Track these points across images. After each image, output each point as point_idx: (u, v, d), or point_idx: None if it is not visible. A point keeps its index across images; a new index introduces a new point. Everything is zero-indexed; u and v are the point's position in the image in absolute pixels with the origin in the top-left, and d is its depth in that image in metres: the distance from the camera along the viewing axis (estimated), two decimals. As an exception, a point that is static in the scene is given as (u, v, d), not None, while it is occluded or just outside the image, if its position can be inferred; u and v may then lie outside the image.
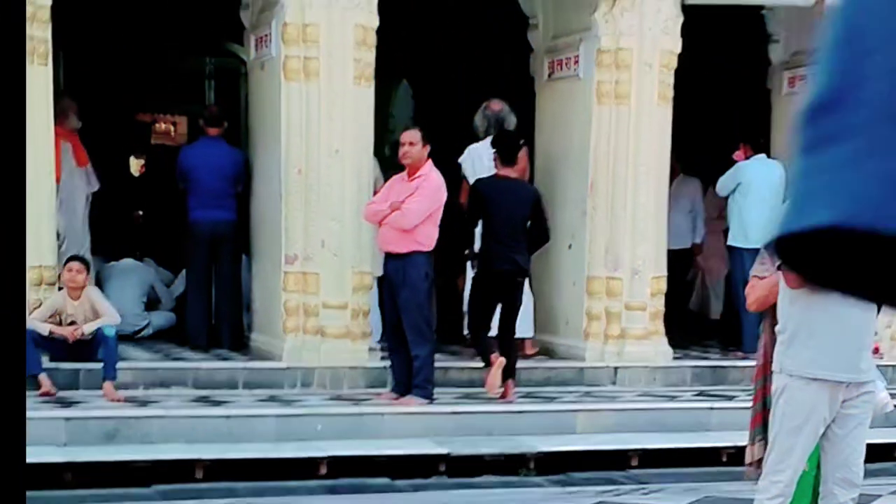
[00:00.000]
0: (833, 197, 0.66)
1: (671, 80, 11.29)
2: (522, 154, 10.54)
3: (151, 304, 12.02)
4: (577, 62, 11.35)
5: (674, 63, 11.27)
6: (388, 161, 11.52)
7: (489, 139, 10.58)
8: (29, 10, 9.27)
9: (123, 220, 11.44)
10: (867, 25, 0.70)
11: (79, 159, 11.11)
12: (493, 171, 10.08)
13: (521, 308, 10.13)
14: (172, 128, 15.87)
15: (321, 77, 10.09)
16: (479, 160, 10.67)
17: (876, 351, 7.95)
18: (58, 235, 10.26)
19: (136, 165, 15.43)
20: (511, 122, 11.02)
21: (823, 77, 0.74)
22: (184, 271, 11.97)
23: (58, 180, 10.26)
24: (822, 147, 0.70)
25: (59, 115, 10.43)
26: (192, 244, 11.16)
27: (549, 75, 11.81)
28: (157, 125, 15.77)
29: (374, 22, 10.17)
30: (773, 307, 5.81)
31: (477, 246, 9.97)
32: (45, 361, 9.64)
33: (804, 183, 0.70)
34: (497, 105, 11.13)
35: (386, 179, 10.24)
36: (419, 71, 15.27)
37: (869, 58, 0.70)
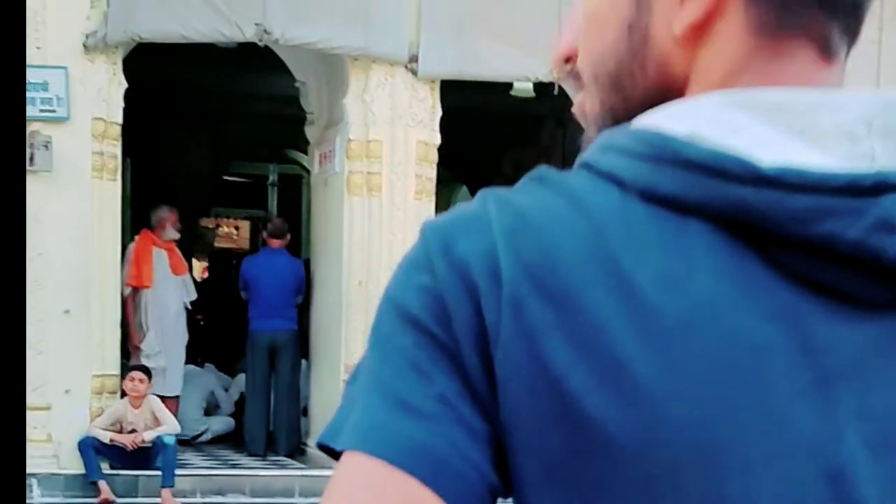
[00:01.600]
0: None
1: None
2: None
3: (210, 408, 12.20)
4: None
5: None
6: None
7: None
8: (100, 126, 9.64)
9: (186, 324, 11.62)
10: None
11: (174, 268, 11.23)
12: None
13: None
14: (235, 232, 16.19)
15: (383, 192, 10.33)
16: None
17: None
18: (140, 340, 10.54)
19: (198, 269, 15.71)
20: None
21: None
22: (242, 376, 12.15)
23: (147, 287, 10.69)
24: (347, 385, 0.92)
25: (156, 225, 10.92)
26: (252, 351, 11.35)
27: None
28: (220, 229, 16.09)
29: (436, 139, 10.40)
30: None
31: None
32: (105, 468, 9.81)
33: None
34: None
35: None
36: (477, 177, 15.51)
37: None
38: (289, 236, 11.68)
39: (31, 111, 9.39)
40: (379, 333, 0.90)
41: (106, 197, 9.79)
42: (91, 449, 9.71)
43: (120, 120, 9.79)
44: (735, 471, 0.83)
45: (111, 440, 9.78)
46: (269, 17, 9.63)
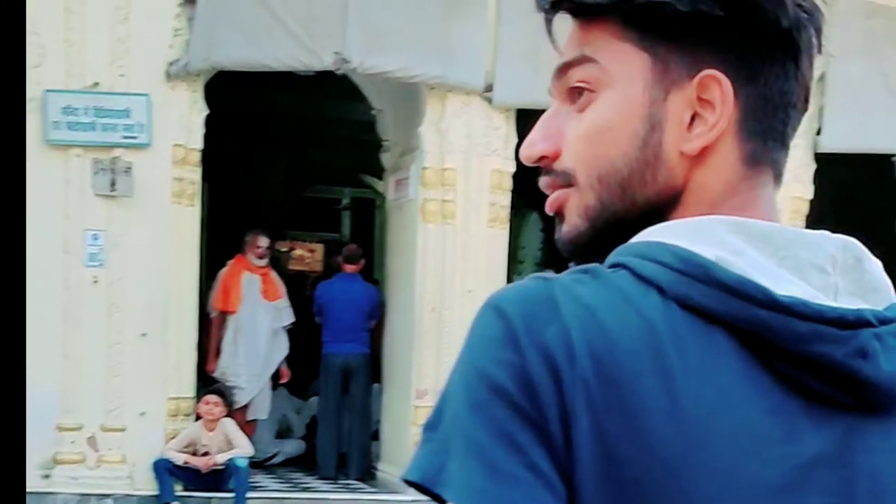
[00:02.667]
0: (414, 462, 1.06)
1: (802, 226, 11.30)
2: None
3: (282, 431, 12.28)
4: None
5: (804, 210, 11.32)
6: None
7: None
8: (180, 152, 9.78)
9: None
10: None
11: (266, 293, 11.24)
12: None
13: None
14: (309, 255, 16.31)
15: (457, 219, 10.38)
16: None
17: None
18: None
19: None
20: None
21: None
22: (314, 399, 12.23)
23: (233, 311, 10.85)
24: (428, 428, 1.07)
25: (246, 249, 11.05)
26: (324, 374, 11.42)
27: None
28: (294, 252, 16.22)
29: (511, 167, 10.43)
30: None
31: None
32: (179, 490, 9.93)
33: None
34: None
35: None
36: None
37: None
38: (363, 262, 11.77)
39: (113, 137, 9.56)
40: (473, 399, 1.04)
41: (184, 222, 9.94)
42: (165, 471, 9.84)
43: (200, 146, 9.92)
44: None
45: (185, 462, 9.89)
46: (347, 46, 9.73)
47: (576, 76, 1.21)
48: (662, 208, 1.18)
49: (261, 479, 11.03)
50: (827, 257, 1.13)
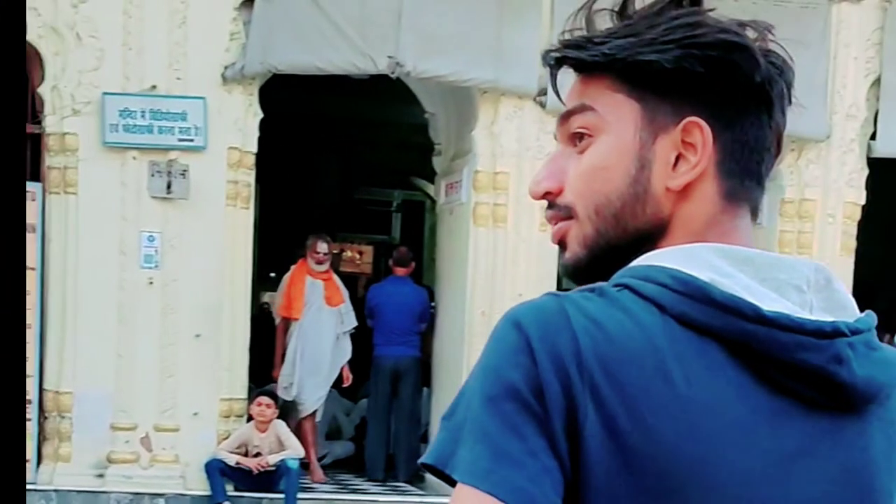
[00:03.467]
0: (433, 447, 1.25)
1: (854, 232, 11.28)
2: None
3: (332, 432, 12.33)
4: (760, 210, 11.39)
5: (857, 215, 11.26)
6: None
7: None
8: (235, 155, 9.85)
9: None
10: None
11: (329, 299, 11.10)
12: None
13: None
14: (359, 256, 16.35)
15: (509, 223, 10.38)
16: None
17: None
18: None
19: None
20: None
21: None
22: (364, 401, 12.27)
23: (296, 318, 10.83)
24: (445, 418, 1.26)
25: (308, 253, 10.97)
26: (375, 377, 11.45)
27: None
28: (344, 254, 16.27)
29: (559, 172, 10.41)
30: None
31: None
32: (230, 490, 9.99)
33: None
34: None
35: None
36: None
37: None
38: (413, 265, 11.79)
39: (169, 140, 9.64)
40: (487, 394, 1.23)
41: (239, 225, 10.02)
42: (217, 471, 9.90)
43: (255, 149, 9.99)
44: (721, 498, 1.26)
45: (237, 463, 9.94)
46: (401, 51, 9.77)
47: (577, 123, 1.40)
48: (652, 236, 1.38)
49: (311, 480, 11.08)
50: (802, 278, 1.33)
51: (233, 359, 10.09)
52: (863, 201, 11.23)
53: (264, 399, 10.22)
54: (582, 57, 1.39)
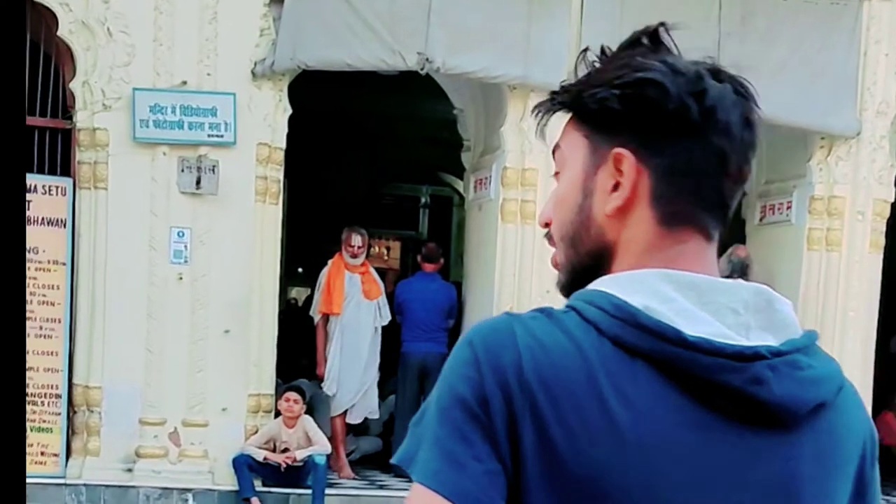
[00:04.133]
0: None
1: (883, 229, 11.23)
2: None
3: (359, 428, 12.33)
4: (789, 207, 11.36)
5: (887, 212, 11.20)
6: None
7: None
8: (264, 151, 9.86)
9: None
10: None
11: (367, 292, 11.02)
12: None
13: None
14: (386, 252, 16.36)
15: (536, 220, 10.28)
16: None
17: None
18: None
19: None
20: (754, 269, 11.04)
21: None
22: (392, 397, 12.27)
23: (336, 313, 10.77)
24: (413, 425, 1.45)
25: (343, 246, 10.90)
26: (403, 373, 11.44)
27: (761, 219, 11.84)
28: (372, 249, 16.27)
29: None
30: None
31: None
32: (258, 485, 10.01)
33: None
34: (743, 252, 11.09)
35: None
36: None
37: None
38: (442, 261, 11.78)
39: (199, 136, 9.65)
40: (441, 404, 1.42)
41: (267, 220, 10.03)
42: (245, 466, 9.92)
43: (283, 145, 10.00)
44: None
45: (265, 458, 9.96)
46: (430, 47, 9.76)
47: (554, 161, 1.61)
48: (602, 260, 1.54)
49: (338, 476, 11.09)
50: (740, 301, 1.47)
51: (261, 354, 10.11)
52: (892, 198, 11.18)
53: (292, 395, 10.23)
54: (551, 101, 1.59)
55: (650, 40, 1.56)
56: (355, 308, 10.94)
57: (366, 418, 11.79)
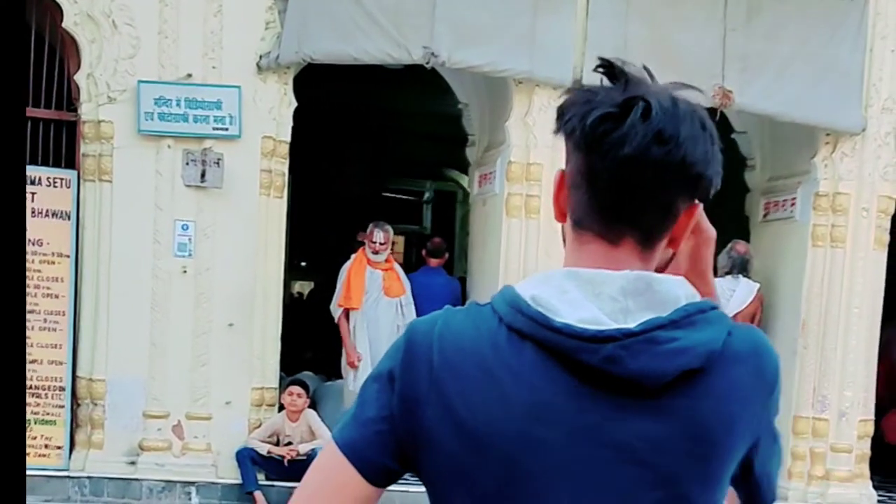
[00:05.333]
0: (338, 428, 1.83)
1: (888, 226, 11.22)
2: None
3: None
4: (793, 204, 11.35)
5: (892, 209, 11.19)
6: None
7: (729, 277, 10.73)
8: (269, 145, 9.85)
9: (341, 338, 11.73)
10: None
11: (388, 289, 10.93)
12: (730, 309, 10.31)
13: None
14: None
15: (541, 214, 10.33)
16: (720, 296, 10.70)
17: None
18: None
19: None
20: (753, 264, 11.05)
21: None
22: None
23: (355, 308, 10.72)
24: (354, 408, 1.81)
25: (366, 241, 10.86)
26: (406, 368, 11.42)
27: (765, 216, 11.83)
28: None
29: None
30: None
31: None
32: (261, 479, 10.01)
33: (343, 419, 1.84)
34: (742, 247, 11.14)
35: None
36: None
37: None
38: (447, 255, 11.77)
39: (204, 129, 9.65)
40: (368, 377, 1.82)
41: (272, 214, 10.03)
42: (248, 460, 9.93)
43: (288, 138, 9.99)
44: (526, 475, 1.73)
45: (268, 452, 9.96)
46: (436, 41, 9.75)
47: None
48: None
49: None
50: (617, 289, 1.73)
51: (265, 348, 10.11)
52: (896, 195, 11.17)
53: (295, 388, 10.24)
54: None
55: (606, 74, 1.81)
56: (374, 304, 10.86)
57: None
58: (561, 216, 1.85)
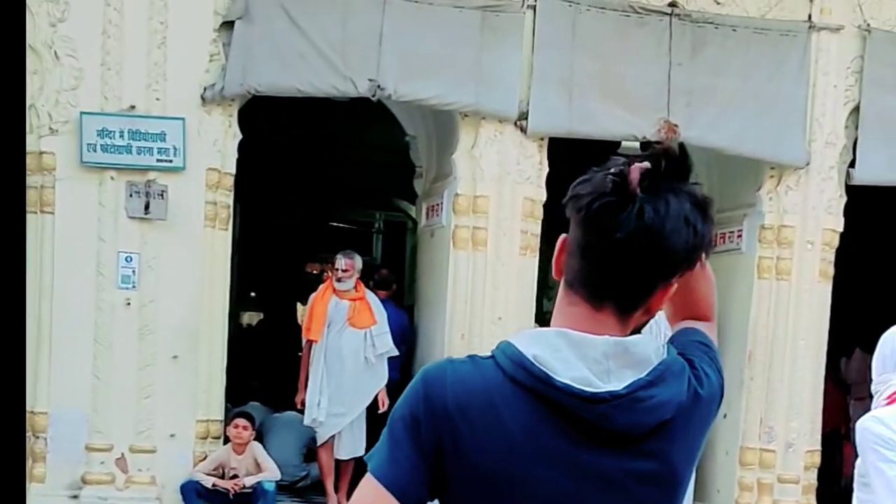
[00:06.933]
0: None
1: (832, 258, 11.31)
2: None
3: (311, 454, 12.26)
4: (740, 236, 11.43)
5: (836, 242, 11.29)
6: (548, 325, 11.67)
7: None
8: (214, 177, 9.82)
9: (290, 369, 11.67)
10: None
11: (353, 319, 10.60)
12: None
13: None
14: (339, 277, 16.30)
15: (488, 246, 10.38)
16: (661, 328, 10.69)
17: None
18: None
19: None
20: None
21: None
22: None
23: (314, 340, 10.55)
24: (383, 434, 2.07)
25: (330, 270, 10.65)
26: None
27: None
28: (325, 276, 16.23)
29: (542, 195, 10.44)
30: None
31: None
32: (207, 512, 9.95)
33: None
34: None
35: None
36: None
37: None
38: (395, 287, 11.76)
39: (148, 160, 9.60)
40: (393, 419, 2.04)
41: (217, 246, 9.98)
42: (193, 493, 9.87)
43: (233, 170, 9.95)
44: None
45: (213, 485, 9.89)
46: (382, 73, 9.78)
47: None
48: None
49: (288, 502, 11.03)
50: (600, 353, 2.02)
51: (210, 380, 10.05)
52: (841, 228, 11.27)
53: (241, 421, 10.18)
54: None
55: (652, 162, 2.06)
56: (336, 336, 10.61)
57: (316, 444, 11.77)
58: (558, 274, 2.14)
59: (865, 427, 4.19)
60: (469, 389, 2.02)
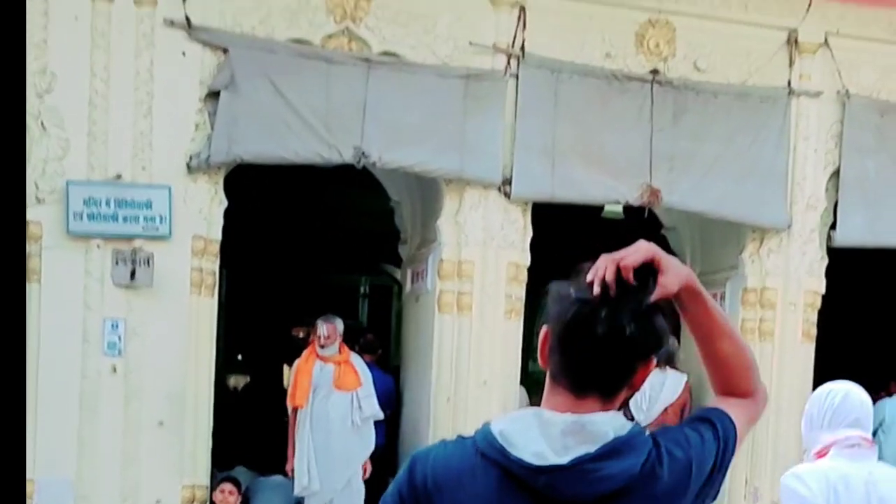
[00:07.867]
0: None
1: (815, 319, 11.40)
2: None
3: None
4: (722, 298, 11.50)
5: (818, 303, 11.38)
6: (534, 388, 11.73)
7: (657, 370, 10.74)
8: (200, 244, 9.86)
9: (277, 432, 11.67)
10: None
11: (339, 382, 10.64)
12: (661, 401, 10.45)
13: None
14: (325, 340, 16.32)
15: (473, 311, 10.45)
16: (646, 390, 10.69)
17: None
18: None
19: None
20: (679, 356, 11.12)
21: None
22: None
23: (299, 406, 10.55)
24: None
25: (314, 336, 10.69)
26: (338, 464, 11.35)
27: (696, 310, 11.94)
28: (310, 339, 16.24)
29: (526, 260, 10.52)
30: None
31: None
32: (191, 577, 9.93)
33: None
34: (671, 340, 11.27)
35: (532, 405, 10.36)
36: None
37: None
38: (380, 351, 11.80)
39: (134, 228, 9.65)
40: (387, 492, 2.45)
41: (203, 312, 10.01)
42: (177, 558, 9.85)
43: (219, 237, 10.00)
44: None
45: (199, 551, 9.89)
46: (366, 141, 9.87)
47: None
48: None
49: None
50: (559, 431, 2.29)
51: (196, 446, 10.05)
52: (823, 290, 11.36)
53: (227, 486, 10.19)
54: None
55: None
56: (323, 400, 10.61)
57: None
58: (544, 364, 2.42)
59: (785, 484, 4.42)
60: (447, 466, 2.37)
